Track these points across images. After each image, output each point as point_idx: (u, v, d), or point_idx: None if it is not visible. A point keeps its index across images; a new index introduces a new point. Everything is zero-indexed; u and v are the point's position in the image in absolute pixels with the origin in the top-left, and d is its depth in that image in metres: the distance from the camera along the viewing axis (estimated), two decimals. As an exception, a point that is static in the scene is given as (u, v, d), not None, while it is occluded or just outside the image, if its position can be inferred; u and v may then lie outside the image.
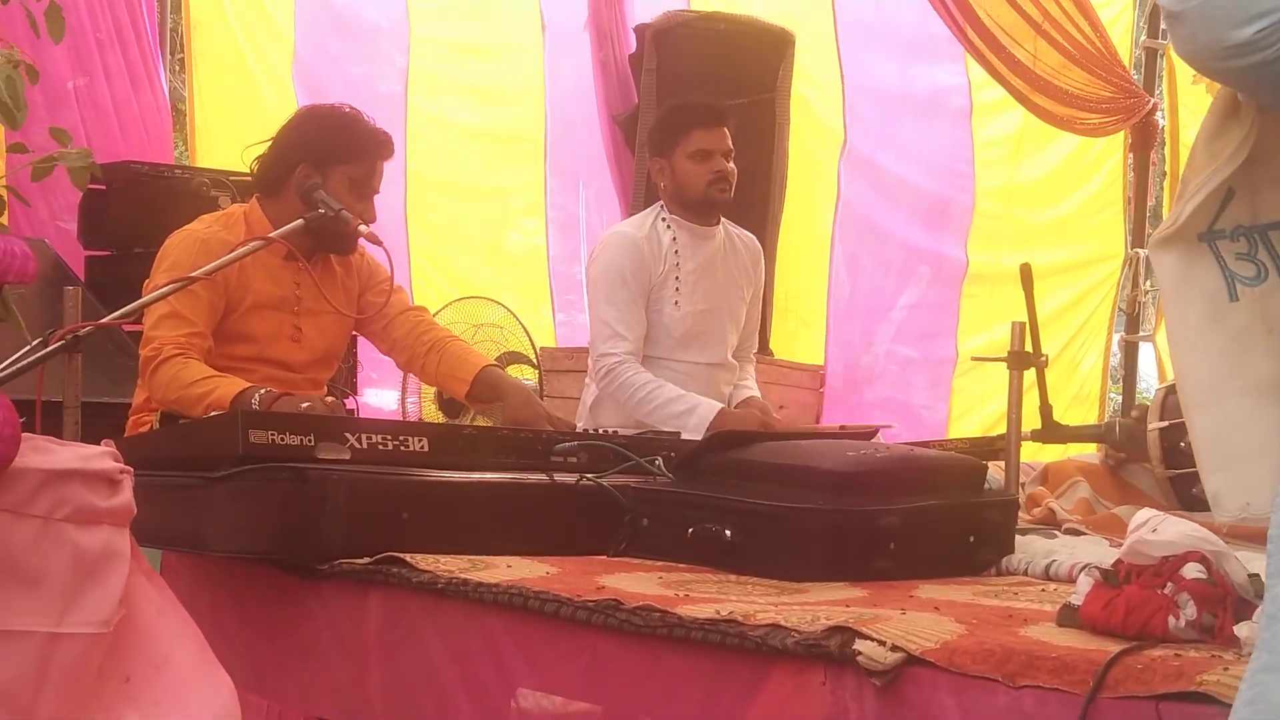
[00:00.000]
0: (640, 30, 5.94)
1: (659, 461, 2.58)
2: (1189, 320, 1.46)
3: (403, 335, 3.35)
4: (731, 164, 3.80)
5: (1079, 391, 6.00)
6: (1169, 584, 1.72)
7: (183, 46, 5.94)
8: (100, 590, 1.74)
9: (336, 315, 3.24)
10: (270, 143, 3.25)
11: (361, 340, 3.96)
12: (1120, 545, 1.85)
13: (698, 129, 3.76)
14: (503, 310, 5.22)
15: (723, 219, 3.91)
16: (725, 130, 3.80)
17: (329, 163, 3.14)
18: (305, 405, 2.78)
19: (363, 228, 3.09)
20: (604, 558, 2.38)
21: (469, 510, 2.38)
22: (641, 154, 5.85)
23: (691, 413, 3.59)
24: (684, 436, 3.42)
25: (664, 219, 3.81)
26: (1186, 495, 3.05)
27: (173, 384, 2.92)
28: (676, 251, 3.78)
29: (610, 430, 3.13)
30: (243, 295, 3.10)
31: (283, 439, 2.27)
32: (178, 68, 6.41)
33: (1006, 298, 5.34)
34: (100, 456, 1.78)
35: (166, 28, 5.77)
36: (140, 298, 2.81)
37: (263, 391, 2.87)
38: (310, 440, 2.30)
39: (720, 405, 3.64)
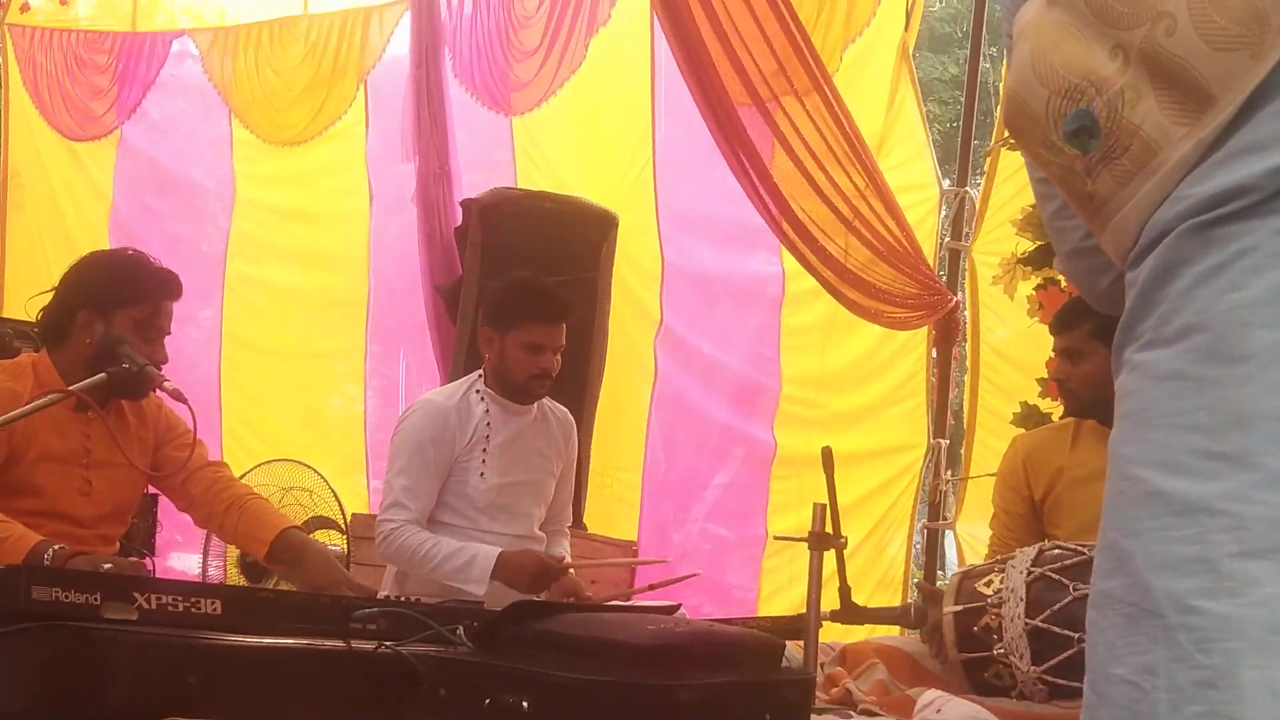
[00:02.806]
0: (467, 204, 6.04)
1: (460, 630, 2.55)
2: None
3: (201, 491, 3.27)
4: (559, 358, 3.83)
5: (883, 576, 6.11)
6: (951, 763, 1.76)
7: (-1, 195, 5.87)
8: None
9: (128, 468, 3.16)
10: (53, 291, 3.19)
11: (163, 501, 3.87)
12: (907, 725, 1.89)
13: (537, 322, 3.77)
14: (313, 474, 5.17)
15: (538, 394, 3.94)
16: (563, 326, 3.82)
17: (112, 307, 3.09)
18: (107, 566, 2.70)
19: (167, 384, 3.04)
20: (398, 728, 2.34)
21: (260, 676, 2.31)
22: (463, 324, 5.90)
23: (472, 564, 3.58)
24: (469, 588, 3.42)
25: (479, 391, 3.83)
26: (978, 680, 3.12)
27: None
28: (488, 424, 3.80)
29: (414, 598, 3.10)
30: (26, 447, 3.00)
31: (68, 596, 2.19)
32: (-10, 217, 6.32)
33: (815, 480, 5.45)
34: None
35: (-18, 175, 5.70)
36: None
37: (56, 548, 2.78)
38: (96, 599, 2.22)
39: (498, 550, 3.64)
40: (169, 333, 3.21)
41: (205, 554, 5.28)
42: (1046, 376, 5.42)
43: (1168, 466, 1.19)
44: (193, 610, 2.33)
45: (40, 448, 3.05)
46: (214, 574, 5.16)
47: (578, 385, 5.58)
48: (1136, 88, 1.29)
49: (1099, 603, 1.23)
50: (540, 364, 3.78)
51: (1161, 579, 1.17)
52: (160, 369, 3.10)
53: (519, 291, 3.89)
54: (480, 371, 3.89)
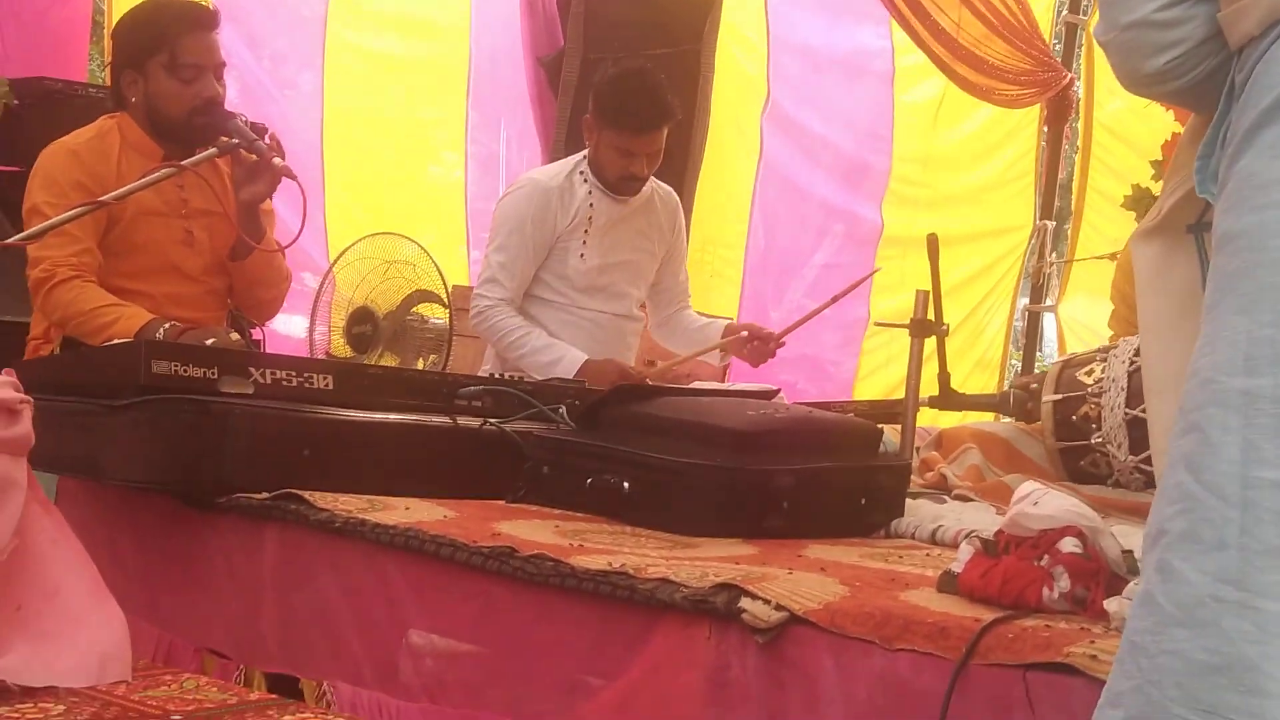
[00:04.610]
0: (569, -27, 5.91)
1: (562, 410, 2.61)
2: (1161, 311, 1.47)
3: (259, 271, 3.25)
4: (653, 165, 3.76)
5: (982, 357, 6.10)
6: (1045, 556, 1.77)
7: (100, -44, 5.83)
8: (-6, 518, 1.72)
9: (225, 215, 3.13)
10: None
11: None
12: (1006, 512, 1.90)
13: (626, 130, 3.68)
14: (416, 248, 5.17)
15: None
16: (659, 132, 3.72)
17: (143, 61, 3.06)
18: (211, 341, 2.75)
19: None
20: (502, 503, 2.41)
21: (371, 450, 2.39)
22: (565, 98, 5.84)
23: (557, 364, 3.63)
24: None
25: (582, 172, 3.81)
26: (1074, 468, 3.13)
27: (71, 309, 2.86)
28: (591, 205, 3.79)
29: (516, 376, 3.15)
30: (124, 206, 2.97)
31: (186, 371, 2.27)
32: (93, -23, 6.29)
33: (920, 261, 5.39)
34: (0, 386, 1.77)
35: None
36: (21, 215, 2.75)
37: (167, 325, 2.83)
38: (214, 373, 2.29)
39: (585, 356, 3.68)
40: (215, 64, 3.11)
41: (312, 319, 5.36)
42: (1161, 159, 5.28)
43: None
44: (306, 385, 2.40)
45: (136, 204, 3.02)
46: (319, 339, 5.25)
47: (679, 161, 5.52)
48: None
49: (1231, 402, 1.16)
50: (629, 168, 3.74)
51: None
52: (219, 105, 3.07)
53: (618, 92, 3.75)
54: (585, 153, 3.85)
